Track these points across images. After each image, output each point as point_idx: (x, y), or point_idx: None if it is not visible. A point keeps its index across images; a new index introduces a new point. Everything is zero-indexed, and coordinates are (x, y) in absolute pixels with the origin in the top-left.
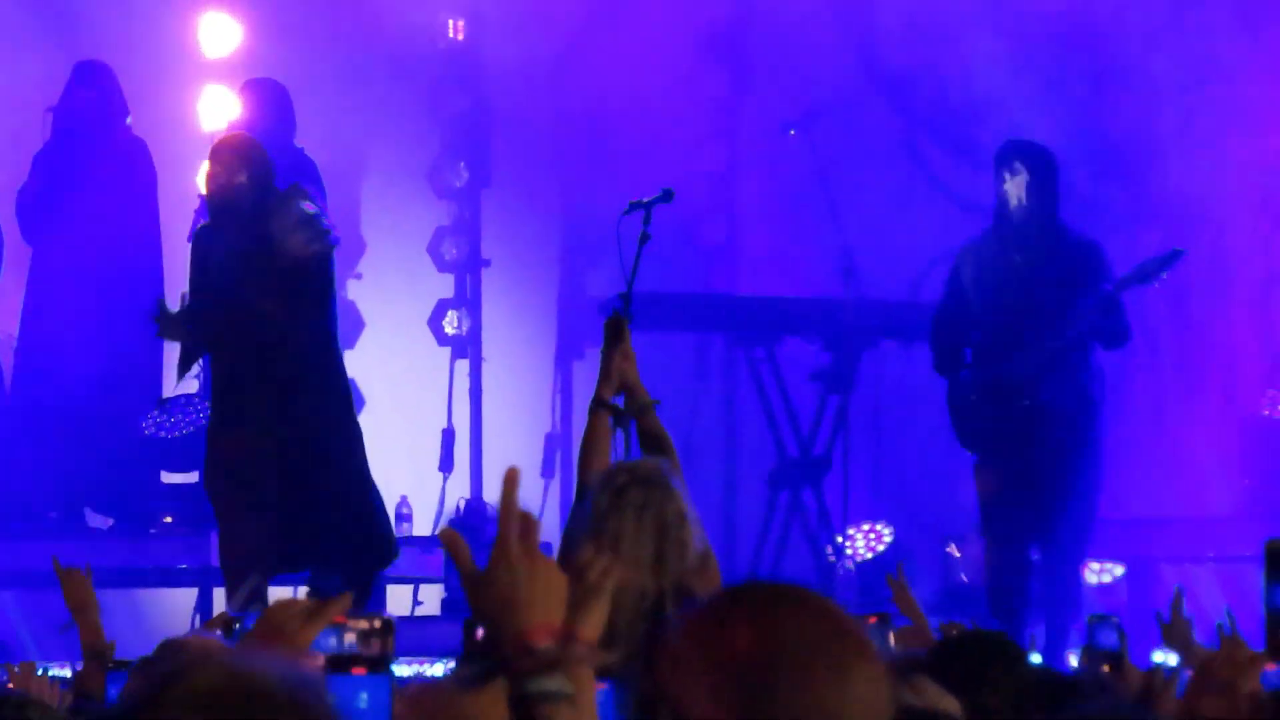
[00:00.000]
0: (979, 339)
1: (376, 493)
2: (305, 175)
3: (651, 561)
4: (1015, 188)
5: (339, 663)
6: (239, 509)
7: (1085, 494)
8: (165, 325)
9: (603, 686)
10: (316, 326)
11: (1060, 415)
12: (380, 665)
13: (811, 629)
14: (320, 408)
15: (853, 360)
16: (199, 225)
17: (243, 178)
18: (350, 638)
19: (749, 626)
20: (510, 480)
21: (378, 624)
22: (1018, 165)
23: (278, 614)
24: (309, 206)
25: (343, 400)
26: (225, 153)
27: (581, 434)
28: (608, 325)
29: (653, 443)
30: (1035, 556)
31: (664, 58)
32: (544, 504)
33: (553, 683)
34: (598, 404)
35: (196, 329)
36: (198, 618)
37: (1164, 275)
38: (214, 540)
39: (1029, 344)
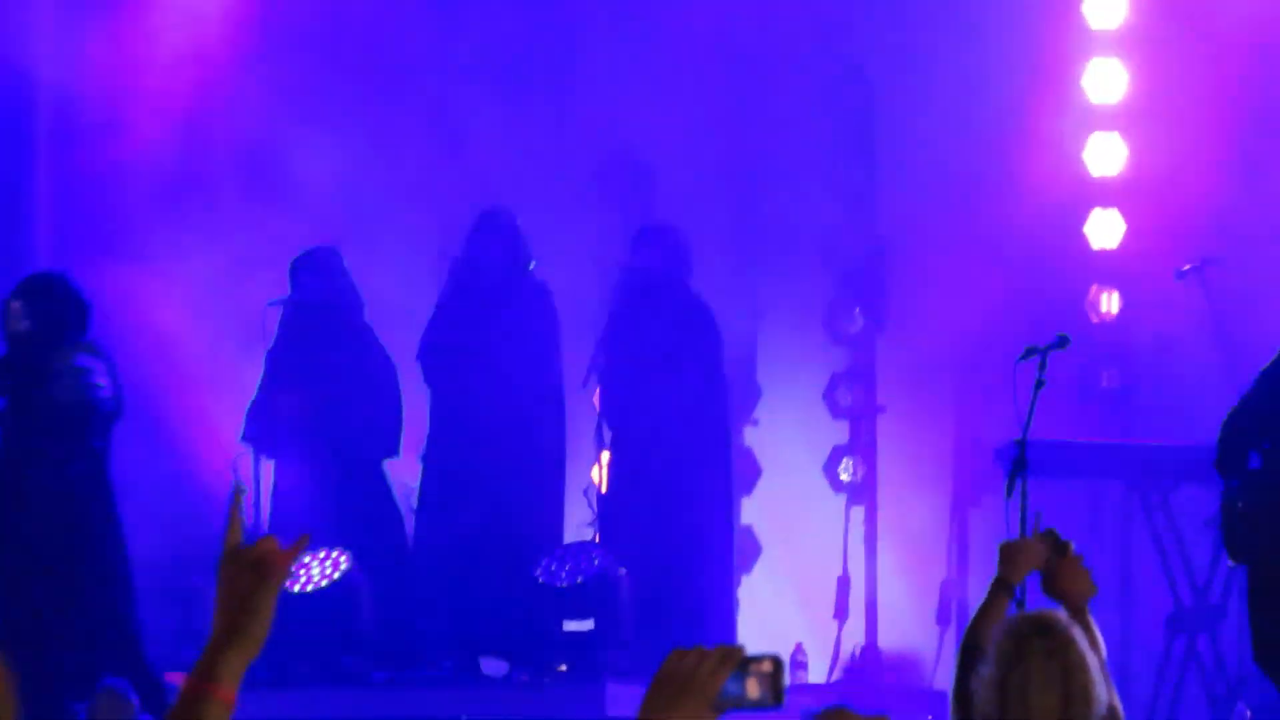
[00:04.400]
0: (1268, 447)
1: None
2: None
3: (1059, 708)
4: None
5: None
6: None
7: None
8: None
9: None
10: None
11: None
12: None
13: None
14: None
15: None
16: None
17: (25, 325)
18: (751, 682)
19: None
20: None
21: (769, 666)
22: None
23: (678, 664)
24: (85, 360)
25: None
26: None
27: (979, 604)
28: (1051, 544)
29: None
30: None
31: (1054, 201)
32: (940, 654)
33: None
34: (1001, 586)
35: None
36: None
37: None
38: (610, 691)
39: None
